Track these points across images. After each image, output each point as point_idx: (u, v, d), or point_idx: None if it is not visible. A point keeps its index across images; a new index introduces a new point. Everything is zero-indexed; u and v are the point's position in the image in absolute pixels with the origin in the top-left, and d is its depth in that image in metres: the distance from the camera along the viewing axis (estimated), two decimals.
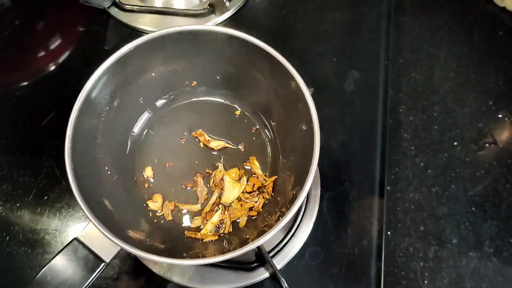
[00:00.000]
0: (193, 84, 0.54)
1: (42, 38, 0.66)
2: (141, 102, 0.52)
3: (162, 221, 0.50)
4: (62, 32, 0.67)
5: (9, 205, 0.54)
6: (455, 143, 0.59)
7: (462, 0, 0.68)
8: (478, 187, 0.57)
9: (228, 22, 0.66)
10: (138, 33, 0.65)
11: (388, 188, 0.57)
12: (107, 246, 0.39)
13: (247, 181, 0.51)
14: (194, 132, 0.53)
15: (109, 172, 0.48)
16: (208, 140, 0.52)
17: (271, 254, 0.50)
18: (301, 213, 0.53)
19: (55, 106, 0.60)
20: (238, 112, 0.55)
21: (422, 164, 0.58)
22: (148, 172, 0.52)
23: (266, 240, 0.39)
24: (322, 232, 0.53)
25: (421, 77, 0.63)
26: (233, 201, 0.50)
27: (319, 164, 0.56)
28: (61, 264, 0.38)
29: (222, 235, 0.49)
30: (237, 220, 0.50)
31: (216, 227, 0.49)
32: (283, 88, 0.48)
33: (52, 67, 0.64)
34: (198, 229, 0.50)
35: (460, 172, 0.58)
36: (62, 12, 0.68)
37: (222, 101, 0.55)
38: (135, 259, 0.51)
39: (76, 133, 0.42)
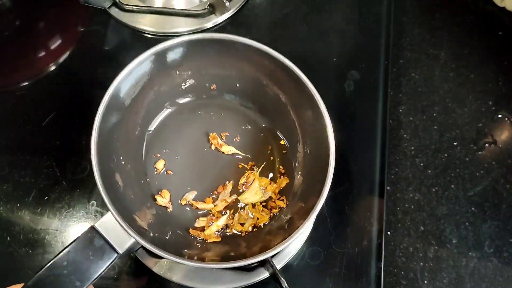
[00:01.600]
0: (212, 88, 0.55)
1: (42, 38, 0.66)
2: (161, 99, 0.54)
3: (166, 215, 0.51)
4: (62, 32, 0.67)
5: (9, 205, 0.54)
6: (455, 143, 0.60)
7: (462, 0, 0.68)
8: (478, 187, 0.57)
9: (228, 22, 0.66)
10: (138, 33, 0.65)
11: (388, 188, 0.57)
12: (122, 237, 0.40)
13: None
14: (210, 134, 0.54)
15: (123, 162, 0.48)
16: (221, 144, 0.53)
17: None
18: None
19: (56, 106, 0.60)
20: (250, 126, 0.56)
21: (422, 164, 0.58)
22: (160, 165, 0.52)
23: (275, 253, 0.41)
24: (322, 232, 0.53)
25: (421, 77, 0.64)
26: (247, 204, 0.52)
27: None
28: (78, 251, 0.39)
29: (225, 236, 0.50)
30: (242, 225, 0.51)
31: (220, 230, 0.50)
32: (304, 114, 0.50)
33: (52, 67, 0.64)
34: (202, 229, 0.50)
35: (459, 172, 0.58)
36: (62, 12, 0.68)
37: (239, 109, 0.56)
38: (135, 259, 0.51)
39: (101, 127, 0.43)
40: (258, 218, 0.51)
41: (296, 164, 0.53)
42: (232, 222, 0.51)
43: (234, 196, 0.52)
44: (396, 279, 0.53)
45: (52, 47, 0.66)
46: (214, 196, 0.52)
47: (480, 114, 0.61)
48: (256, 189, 0.52)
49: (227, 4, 0.64)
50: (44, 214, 0.54)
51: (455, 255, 0.54)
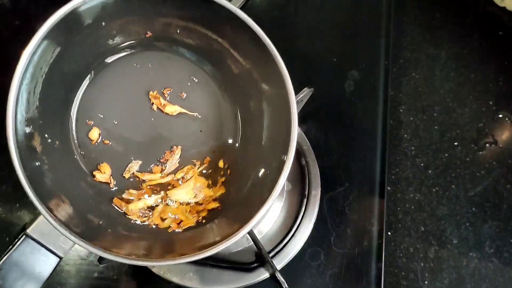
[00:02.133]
0: (147, 35, 0.46)
1: None
2: (89, 57, 0.45)
3: (109, 194, 0.45)
4: None
5: (9, 205, 0.54)
6: (456, 143, 0.59)
7: (462, 0, 0.68)
8: (479, 187, 0.57)
9: None
10: None
11: (388, 188, 0.57)
12: (61, 240, 0.36)
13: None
14: (151, 93, 0.47)
15: (49, 140, 0.41)
16: (164, 104, 0.46)
17: (271, 255, 0.50)
18: (301, 214, 0.52)
19: None
20: (196, 78, 0.48)
21: (422, 164, 0.58)
22: (94, 134, 0.45)
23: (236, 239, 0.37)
24: (322, 233, 0.53)
25: (421, 77, 0.63)
26: (175, 201, 0.46)
27: (319, 165, 0.56)
28: (13, 265, 0.35)
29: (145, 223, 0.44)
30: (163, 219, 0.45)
31: (145, 210, 0.45)
32: (262, 72, 0.44)
33: None
34: (128, 201, 0.45)
35: (460, 172, 0.58)
36: None
37: (182, 59, 0.48)
38: None
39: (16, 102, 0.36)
40: (181, 221, 0.45)
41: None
42: (159, 207, 0.45)
43: (169, 177, 0.46)
44: (397, 279, 0.53)
45: None
46: (163, 165, 0.47)
47: (480, 114, 0.61)
48: (189, 188, 0.46)
49: None
50: None
51: (455, 256, 0.54)
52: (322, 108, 0.60)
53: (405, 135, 0.60)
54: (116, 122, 0.46)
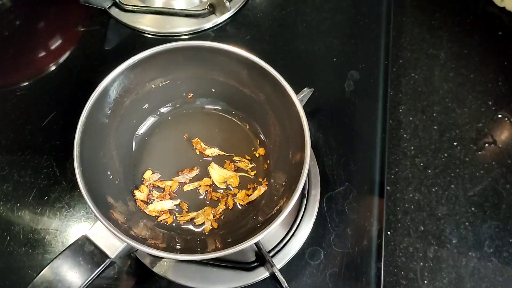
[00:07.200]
0: (189, 96, 0.56)
1: (42, 38, 0.66)
2: (145, 108, 0.55)
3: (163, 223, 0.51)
4: (62, 32, 0.67)
5: (9, 205, 0.54)
6: (455, 143, 0.60)
7: (462, 0, 0.68)
8: (478, 187, 0.57)
9: (228, 23, 0.66)
10: (138, 33, 0.65)
11: (388, 188, 0.57)
12: (112, 243, 0.42)
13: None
14: (193, 140, 0.55)
15: (111, 176, 0.49)
16: (204, 148, 0.55)
17: (271, 254, 0.50)
18: (301, 213, 0.53)
19: (56, 106, 0.60)
20: (230, 126, 0.57)
21: (421, 164, 0.58)
22: (147, 175, 0.53)
23: (261, 238, 0.40)
24: (322, 232, 0.53)
25: (421, 77, 0.64)
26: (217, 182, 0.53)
27: (318, 164, 0.56)
28: (69, 257, 0.41)
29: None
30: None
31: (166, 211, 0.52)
32: (278, 104, 0.50)
33: (52, 67, 0.64)
34: (147, 202, 0.52)
35: (459, 172, 0.58)
36: (62, 12, 0.69)
37: (218, 113, 0.57)
38: (136, 259, 0.51)
39: (84, 136, 0.44)
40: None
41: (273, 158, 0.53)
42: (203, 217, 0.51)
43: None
44: (396, 279, 0.53)
45: (52, 47, 0.66)
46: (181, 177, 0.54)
47: (480, 114, 0.61)
48: (223, 176, 0.53)
49: (227, 4, 0.64)
50: (44, 214, 0.54)
51: (455, 255, 0.54)
52: (322, 108, 0.60)
53: (405, 135, 0.60)
54: (164, 166, 0.54)
